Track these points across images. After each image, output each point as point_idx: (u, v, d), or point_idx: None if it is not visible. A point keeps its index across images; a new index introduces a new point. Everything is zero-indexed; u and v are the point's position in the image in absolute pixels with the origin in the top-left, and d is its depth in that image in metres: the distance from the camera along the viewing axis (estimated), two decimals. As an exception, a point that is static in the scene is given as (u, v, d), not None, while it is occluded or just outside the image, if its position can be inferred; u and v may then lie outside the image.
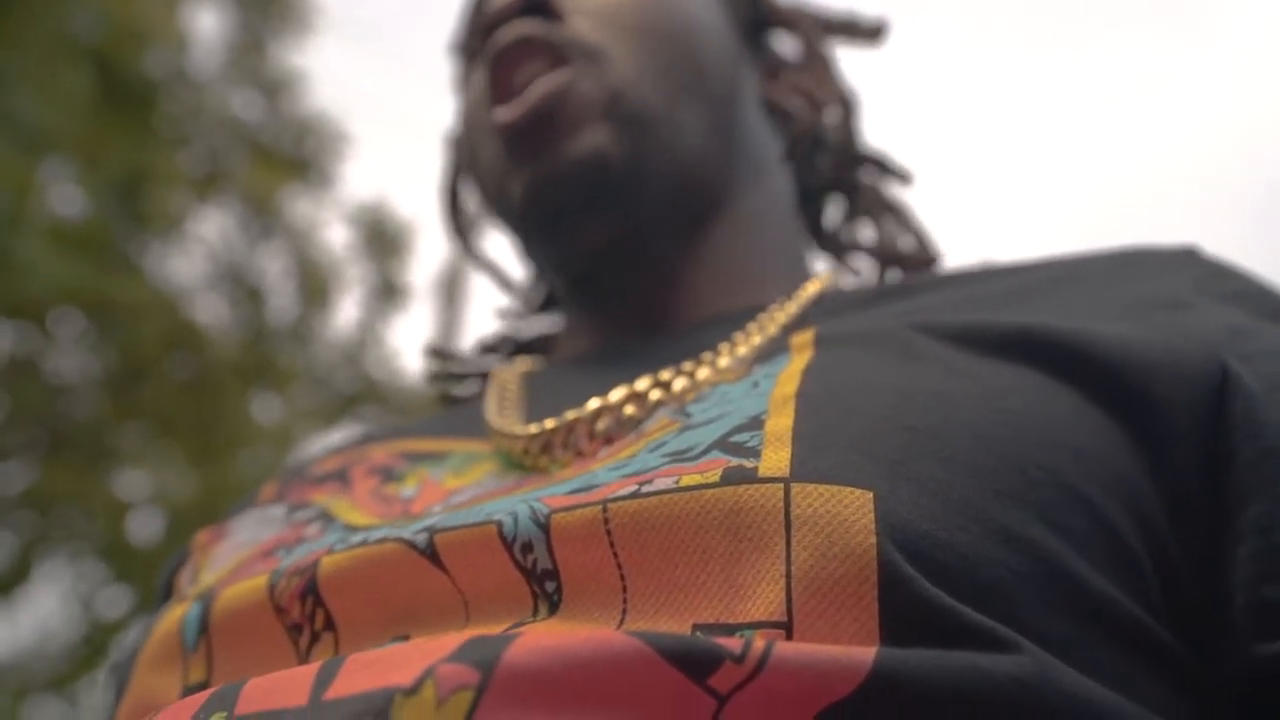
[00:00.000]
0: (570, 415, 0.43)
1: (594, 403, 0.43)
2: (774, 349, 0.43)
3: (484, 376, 0.64)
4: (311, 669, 0.29)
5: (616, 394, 0.43)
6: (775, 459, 0.32)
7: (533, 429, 0.43)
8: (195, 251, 4.69)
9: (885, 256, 0.61)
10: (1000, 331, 0.39)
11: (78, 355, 4.59)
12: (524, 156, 0.50)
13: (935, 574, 0.29)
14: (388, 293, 5.37)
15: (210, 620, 0.39)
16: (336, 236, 5.62)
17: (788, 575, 0.29)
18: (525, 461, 0.44)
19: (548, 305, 0.68)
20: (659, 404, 0.42)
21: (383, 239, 5.34)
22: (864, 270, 0.64)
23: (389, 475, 0.47)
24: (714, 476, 0.32)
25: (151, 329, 4.25)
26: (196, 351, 4.48)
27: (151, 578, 4.53)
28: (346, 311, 5.31)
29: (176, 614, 0.41)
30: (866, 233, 0.64)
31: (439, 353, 0.66)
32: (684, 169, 0.53)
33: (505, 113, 0.50)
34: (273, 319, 4.96)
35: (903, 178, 0.64)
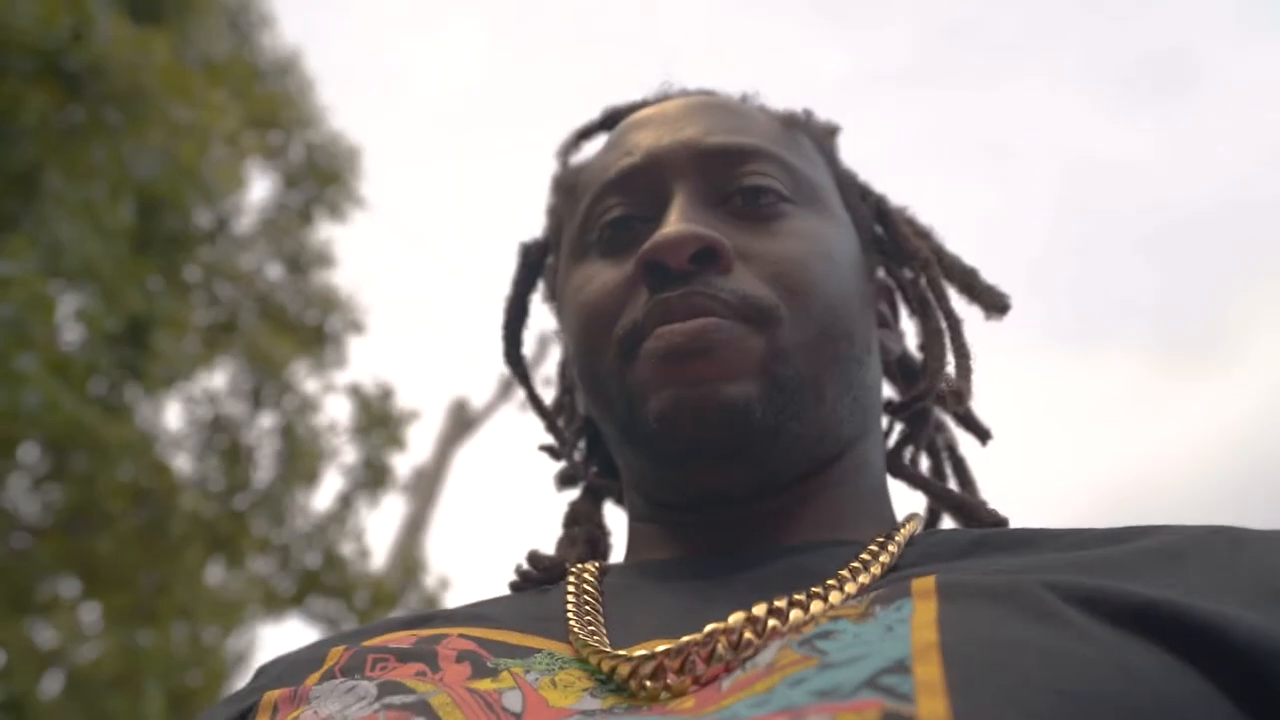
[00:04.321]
0: (685, 639, 0.43)
1: (710, 627, 0.43)
2: (895, 593, 0.43)
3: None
4: None
5: (735, 618, 0.43)
6: (932, 707, 0.33)
7: (640, 651, 0.44)
8: (190, 402, 4.26)
9: (958, 506, 0.64)
10: (1131, 603, 0.39)
11: (37, 491, 4.15)
12: (673, 378, 0.52)
13: None
14: (375, 477, 5.24)
15: None
16: (336, 410, 5.05)
17: None
18: (629, 684, 0.43)
19: (592, 447, 0.70)
20: (774, 632, 0.43)
21: (385, 426, 5.31)
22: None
23: (479, 667, 0.47)
24: (870, 718, 0.33)
25: (125, 472, 4.37)
26: (164, 499, 4.55)
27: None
28: (327, 485, 4.93)
29: None
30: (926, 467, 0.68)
31: (536, 559, 0.63)
32: (816, 434, 0.55)
33: (670, 334, 0.52)
34: (252, 482, 4.62)
35: (982, 436, 0.66)
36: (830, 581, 0.47)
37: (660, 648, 0.43)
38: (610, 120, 0.71)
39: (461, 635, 0.51)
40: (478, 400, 7.53)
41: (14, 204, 3.65)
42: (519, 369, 0.71)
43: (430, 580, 5.69)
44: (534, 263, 0.70)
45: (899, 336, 0.67)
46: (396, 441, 5.43)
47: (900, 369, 0.68)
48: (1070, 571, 0.43)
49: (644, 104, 0.68)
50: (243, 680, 0.59)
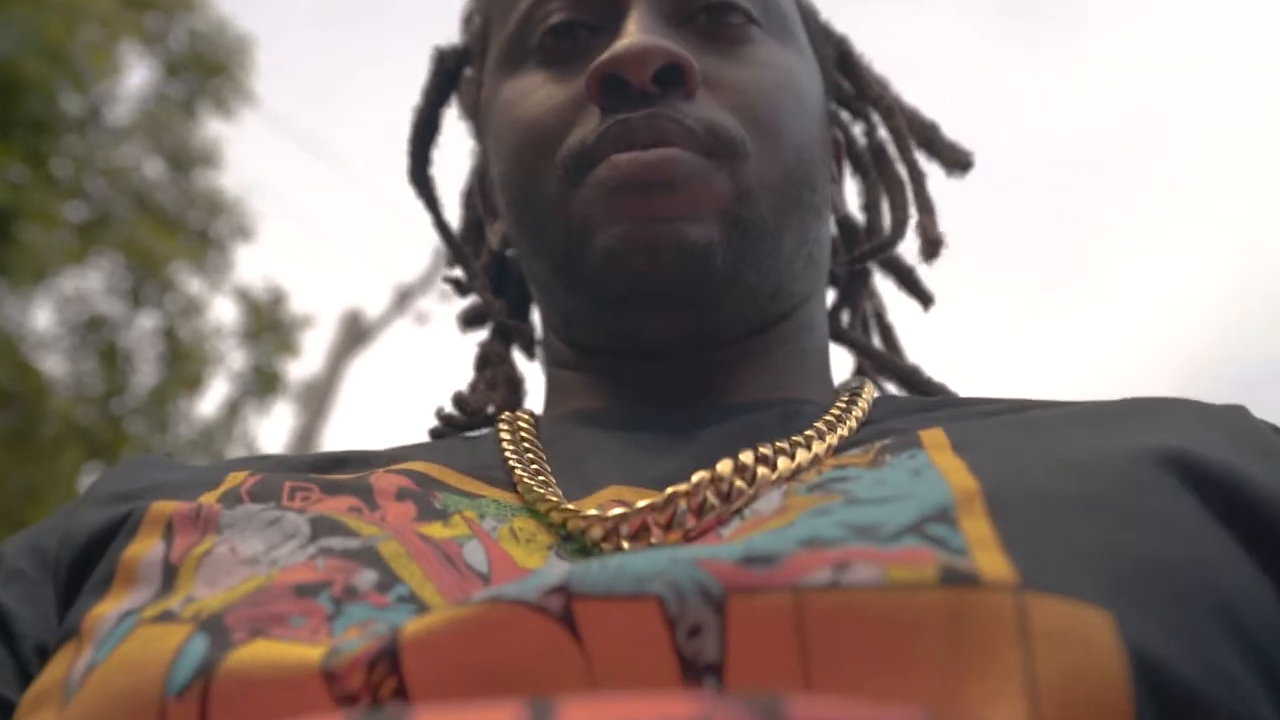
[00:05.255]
0: (670, 490, 0.40)
1: (698, 476, 0.40)
2: (904, 442, 0.41)
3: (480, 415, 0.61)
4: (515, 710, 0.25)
5: (724, 466, 0.40)
6: (992, 563, 0.31)
7: (617, 510, 0.40)
8: (63, 300, 4.00)
9: (904, 376, 0.62)
10: (1154, 452, 0.37)
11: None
12: (628, 211, 0.47)
13: (1179, 709, 0.29)
14: (265, 384, 5.02)
15: (216, 673, 0.31)
16: (222, 314, 4.76)
17: (1033, 690, 0.28)
18: (601, 546, 0.40)
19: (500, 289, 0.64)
20: (765, 481, 0.41)
21: (276, 331, 5.08)
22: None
23: (426, 507, 0.42)
24: (928, 573, 0.30)
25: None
26: (32, 402, 4.37)
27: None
28: (214, 392, 4.68)
29: (168, 641, 0.33)
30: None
31: (462, 402, 0.61)
32: (770, 288, 0.51)
33: (628, 162, 0.47)
34: (131, 386, 4.37)
35: (925, 300, 0.64)
36: (809, 432, 0.45)
37: (641, 502, 0.39)
38: None
39: (388, 471, 0.46)
40: (372, 312, 7.38)
41: None
42: (425, 190, 0.65)
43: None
44: (450, 72, 0.64)
45: (841, 193, 0.63)
46: (288, 347, 5.26)
47: (840, 228, 0.64)
48: (1078, 424, 0.41)
49: None
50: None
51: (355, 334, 7.06)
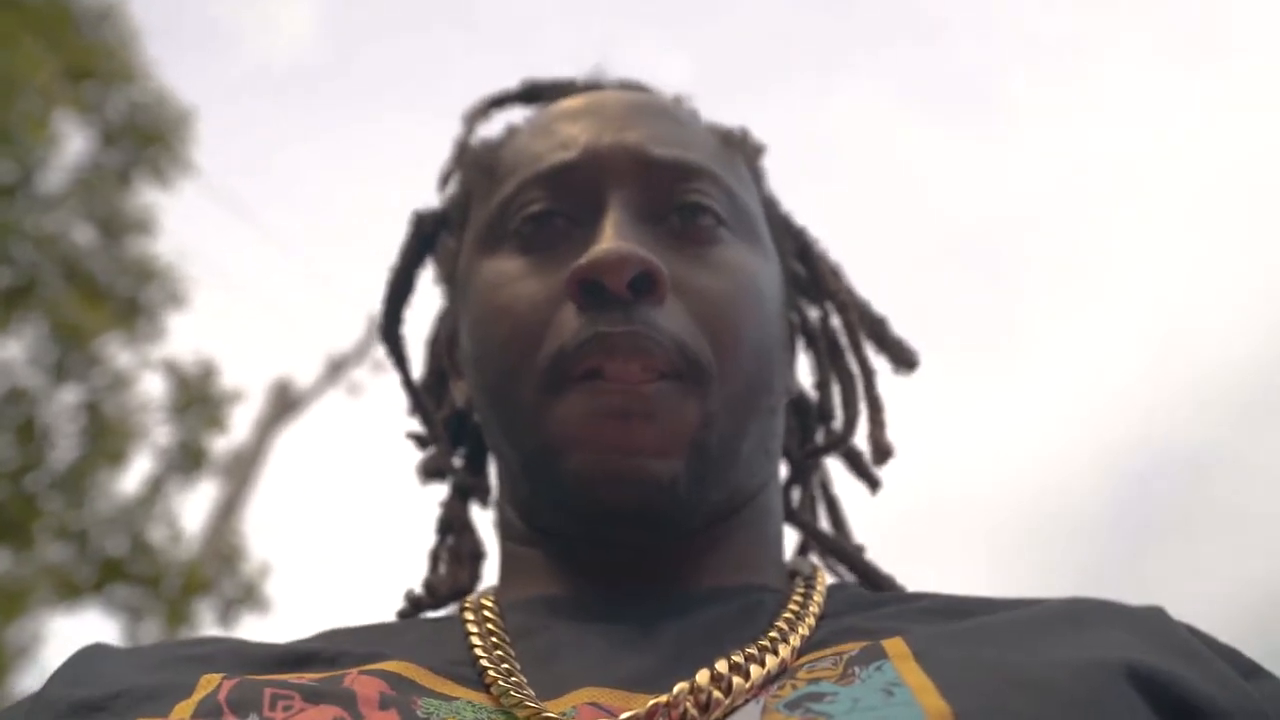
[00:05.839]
0: (652, 702, 0.41)
1: (679, 687, 0.41)
2: (869, 654, 0.43)
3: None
4: None
5: (703, 677, 0.42)
6: None
7: None
8: None
9: (851, 559, 0.63)
10: (1104, 664, 0.40)
11: None
12: (601, 438, 0.49)
13: None
14: (190, 459, 4.81)
15: None
16: (151, 386, 4.84)
17: None
18: None
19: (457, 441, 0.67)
20: (739, 691, 0.42)
21: (205, 404, 4.93)
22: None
23: (408, 716, 0.42)
24: None
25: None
26: None
27: None
28: (137, 468, 4.66)
29: None
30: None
31: (433, 589, 0.63)
32: (732, 491, 0.54)
33: (607, 401, 0.49)
34: (48, 461, 4.16)
35: (873, 484, 0.65)
36: (772, 634, 0.46)
37: (624, 716, 0.40)
38: (529, 94, 0.67)
39: (363, 673, 0.45)
40: (304, 381, 7.24)
41: None
42: (395, 349, 0.66)
43: (249, 567, 5.44)
44: (427, 236, 0.65)
45: (795, 372, 0.65)
46: (216, 422, 5.14)
47: (794, 409, 0.65)
48: (1025, 633, 0.44)
49: (571, 85, 0.65)
50: (26, 675, 0.47)
51: (284, 404, 6.90)
